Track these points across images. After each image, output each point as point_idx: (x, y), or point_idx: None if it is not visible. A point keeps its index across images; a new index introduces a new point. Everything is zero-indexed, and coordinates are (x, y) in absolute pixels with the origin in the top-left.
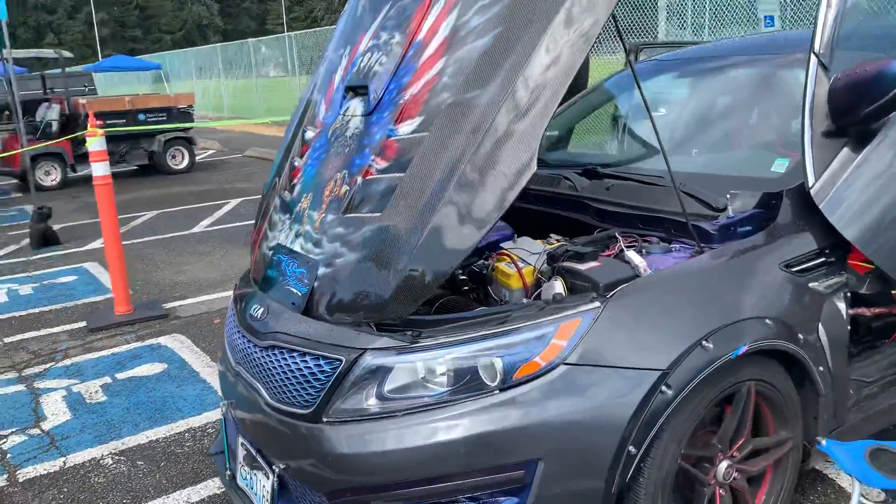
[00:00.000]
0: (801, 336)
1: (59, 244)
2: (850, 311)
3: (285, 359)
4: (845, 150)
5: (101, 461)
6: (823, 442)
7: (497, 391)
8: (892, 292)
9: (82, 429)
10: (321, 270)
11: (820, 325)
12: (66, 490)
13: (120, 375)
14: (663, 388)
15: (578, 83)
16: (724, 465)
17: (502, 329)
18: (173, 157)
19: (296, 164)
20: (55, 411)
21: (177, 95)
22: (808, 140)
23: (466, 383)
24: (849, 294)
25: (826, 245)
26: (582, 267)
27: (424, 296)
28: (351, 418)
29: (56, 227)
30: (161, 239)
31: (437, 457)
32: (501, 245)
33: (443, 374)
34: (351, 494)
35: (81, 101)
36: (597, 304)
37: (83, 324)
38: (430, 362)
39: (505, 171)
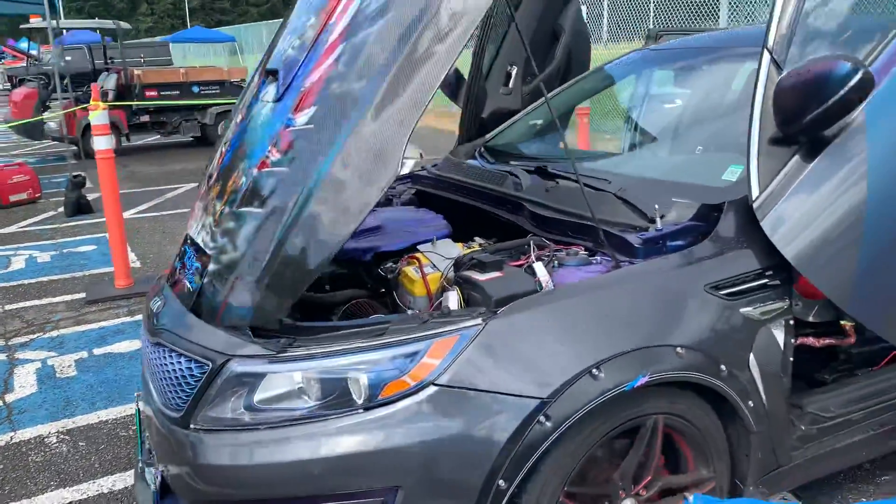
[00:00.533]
0: (723, 368)
1: (92, 212)
2: (796, 341)
3: (166, 358)
4: (795, 159)
5: (45, 439)
6: (690, 498)
7: (361, 410)
8: (841, 322)
9: (41, 404)
10: (211, 267)
11: (751, 356)
12: (1, 467)
13: (97, 351)
14: (541, 418)
15: (579, 68)
16: (626, 503)
17: (372, 343)
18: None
19: (221, 149)
20: (23, 384)
21: (230, 69)
22: (754, 147)
23: (334, 399)
24: (791, 322)
25: (769, 266)
26: (480, 278)
27: (292, 298)
28: (216, 427)
29: (96, 195)
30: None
31: (292, 477)
32: (418, 247)
33: (312, 388)
34: None
35: (137, 71)
36: (478, 320)
37: (83, 295)
38: (299, 374)
39: (371, 173)
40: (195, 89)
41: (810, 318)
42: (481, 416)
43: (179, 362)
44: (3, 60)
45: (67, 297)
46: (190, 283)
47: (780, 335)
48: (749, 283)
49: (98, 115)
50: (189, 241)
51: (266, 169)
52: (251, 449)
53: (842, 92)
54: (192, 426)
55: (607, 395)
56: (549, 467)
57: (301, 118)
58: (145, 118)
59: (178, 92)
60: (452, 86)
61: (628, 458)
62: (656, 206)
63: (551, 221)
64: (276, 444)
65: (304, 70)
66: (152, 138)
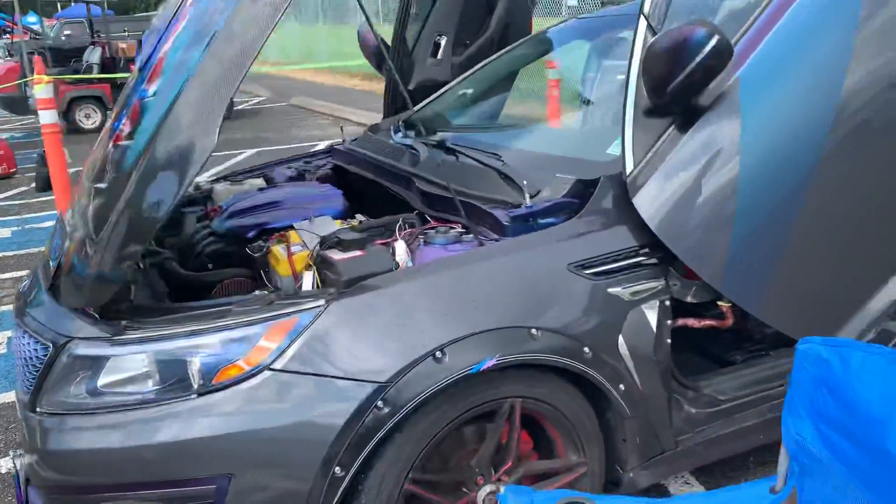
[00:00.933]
0: (587, 350)
1: None
2: (675, 322)
3: (22, 339)
4: (669, 132)
5: None
6: (502, 490)
7: (195, 395)
8: (718, 303)
9: None
10: (66, 244)
11: (621, 339)
12: None
13: None
14: (379, 403)
15: (518, 38)
16: (486, 489)
17: (207, 326)
18: None
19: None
20: None
21: None
22: (629, 119)
23: (173, 384)
24: (668, 303)
25: (644, 244)
26: (336, 257)
27: (118, 280)
28: (58, 411)
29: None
30: None
31: (125, 463)
32: (294, 225)
33: (151, 372)
34: (53, 493)
35: (121, 45)
36: (320, 302)
37: None
38: (138, 357)
39: (191, 143)
40: None
41: (689, 299)
42: (317, 401)
43: (29, 344)
44: (7, 35)
45: (18, 274)
46: (53, 261)
47: (652, 316)
48: (620, 261)
49: (42, 88)
50: (58, 218)
51: (119, 143)
52: (89, 434)
53: (698, 59)
54: (37, 410)
55: (451, 378)
56: (391, 454)
57: (151, 88)
58: None
59: None
60: (377, 56)
61: (485, 444)
62: (524, 182)
63: (436, 198)
64: (112, 429)
65: (163, 41)
66: None
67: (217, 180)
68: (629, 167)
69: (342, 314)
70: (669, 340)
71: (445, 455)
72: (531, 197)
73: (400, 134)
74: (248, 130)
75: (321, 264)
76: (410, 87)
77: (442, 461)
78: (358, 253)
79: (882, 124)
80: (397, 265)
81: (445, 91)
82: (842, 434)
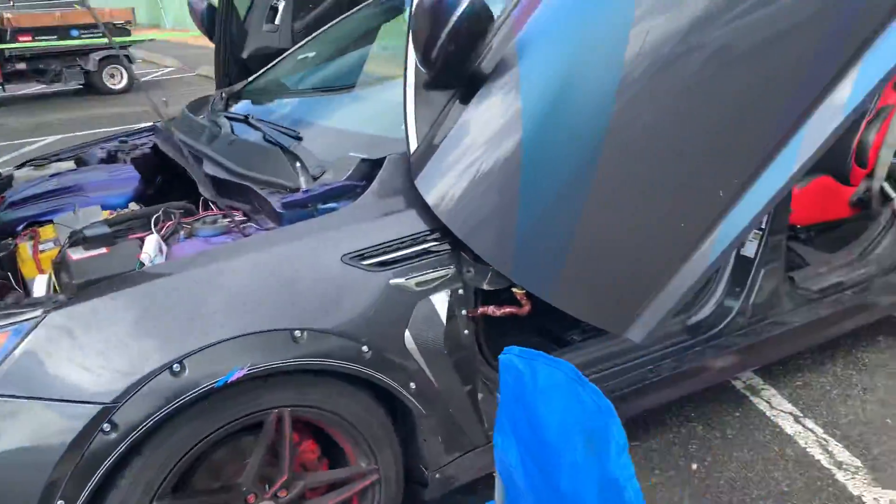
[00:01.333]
0: (365, 349)
1: None
2: (474, 311)
3: None
4: (451, 105)
5: None
6: None
7: None
8: (513, 289)
9: None
10: None
11: (407, 333)
12: None
13: None
14: (105, 426)
15: None
16: None
17: None
18: (111, 76)
19: None
20: None
21: (112, 10)
22: (410, 91)
23: None
24: (461, 291)
25: (433, 229)
26: (74, 256)
27: None
28: None
29: None
30: None
31: None
32: (54, 218)
33: None
34: None
35: (6, 14)
36: (37, 312)
37: None
38: None
39: None
40: (74, 33)
41: (484, 286)
42: (32, 428)
43: None
44: None
45: None
46: None
47: (443, 307)
48: (404, 249)
49: None
50: None
51: None
52: None
53: (453, 22)
54: None
55: (193, 394)
56: (128, 480)
57: None
58: (22, 66)
59: (55, 36)
60: (206, 22)
61: (252, 459)
62: (297, 165)
63: (222, 183)
64: None
65: None
66: (35, 88)
67: (22, 165)
68: (412, 145)
69: (65, 325)
70: (468, 331)
71: (214, 473)
72: (314, 179)
73: (218, 108)
74: (147, 103)
75: (59, 265)
76: (244, 55)
77: (210, 479)
78: (101, 251)
79: (668, 90)
80: (142, 264)
81: (281, 60)
82: (533, 459)
